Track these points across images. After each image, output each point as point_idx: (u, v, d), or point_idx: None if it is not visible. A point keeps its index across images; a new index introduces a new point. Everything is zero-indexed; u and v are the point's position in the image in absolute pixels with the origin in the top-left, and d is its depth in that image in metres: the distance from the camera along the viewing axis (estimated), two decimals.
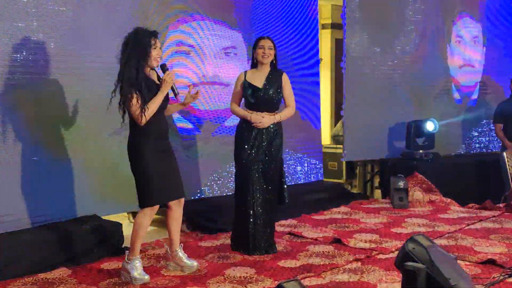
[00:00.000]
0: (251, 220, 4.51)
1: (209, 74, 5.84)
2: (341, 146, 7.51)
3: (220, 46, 5.94)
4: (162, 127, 4.00)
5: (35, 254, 4.16)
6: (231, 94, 4.75)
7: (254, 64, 4.66)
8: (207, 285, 3.81)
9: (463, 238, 4.88)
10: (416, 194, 6.42)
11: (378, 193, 7.43)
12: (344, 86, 7.07)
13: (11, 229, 4.33)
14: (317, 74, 7.03)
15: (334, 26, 9.15)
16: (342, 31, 7.12)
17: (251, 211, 4.51)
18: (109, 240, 4.60)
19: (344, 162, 7.81)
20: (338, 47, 8.93)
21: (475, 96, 8.02)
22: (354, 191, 7.61)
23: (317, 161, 6.97)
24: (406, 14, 7.39)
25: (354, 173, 8.07)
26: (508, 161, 6.13)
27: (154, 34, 3.87)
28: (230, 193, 5.90)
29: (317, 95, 7.04)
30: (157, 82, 3.95)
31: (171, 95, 4.05)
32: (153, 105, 3.82)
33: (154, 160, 3.87)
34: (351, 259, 4.31)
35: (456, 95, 7.84)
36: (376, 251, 4.53)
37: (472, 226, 5.33)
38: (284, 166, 4.87)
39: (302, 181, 6.76)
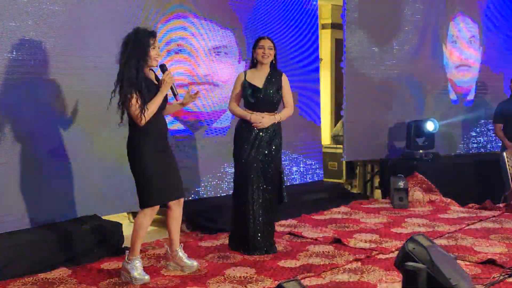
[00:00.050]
0: (251, 220, 4.51)
1: (200, 74, 5.80)
2: (341, 146, 7.51)
3: (212, 45, 5.88)
4: (161, 127, 4.00)
5: (35, 254, 4.16)
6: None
7: (254, 64, 4.66)
8: (207, 285, 3.81)
9: (463, 238, 4.88)
10: (416, 194, 6.42)
11: (378, 193, 7.43)
12: (344, 86, 7.07)
13: (11, 229, 4.34)
14: (317, 74, 7.03)
15: (334, 26, 9.15)
16: (342, 31, 7.13)
17: (251, 211, 4.51)
18: (109, 240, 4.60)
19: (344, 162, 7.82)
20: (338, 47, 8.93)
21: (471, 96, 8.00)
22: (354, 191, 7.61)
23: (313, 162, 6.94)
24: (405, 14, 7.39)
25: (354, 173, 8.07)
26: (508, 161, 6.12)
27: (153, 34, 3.88)
28: (224, 194, 5.91)
29: (317, 95, 7.04)
30: (155, 82, 3.95)
31: (170, 95, 4.05)
32: (153, 106, 3.82)
33: (153, 160, 3.87)
34: (351, 259, 4.31)
35: (453, 95, 7.84)
36: (376, 251, 4.53)
37: (472, 226, 5.33)
38: (285, 166, 4.87)
39: (297, 182, 6.75)
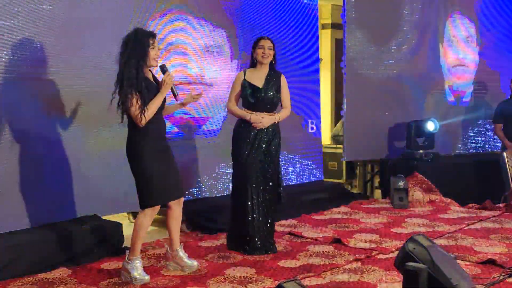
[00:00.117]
0: (251, 220, 4.51)
1: (192, 74, 5.75)
2: (341, 146, 7.51)
3: (204, 44, 5.85)
4: (160, 127, 4.00)
5: (35, 254, 4.16)
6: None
7: (253, 64, 4.66)
8: (207, 285, 3.81)
9: (463, 238, 4.88)
10: (416, 194, 6.42)
11: (378, 193, 7.43)
12: (344, 86, 7.07)
13: (11, 229, 4.33)
14: (317, 74, 7.03)
15: (334, 26, 9.15)
16: (342, 31, 7.13)
17: (251, 211, 4.51)
18: (109, 240, 4.60)
19: (344, 162, 7.81)
20: (338, 47, 8.93)
21: (469, 95, 7.99)
22: (354, 191, 7.61)
23: (309, 162, 6.92)
24: (405, 14, 7.39)
25: (354, 173, 8.07)
26: (508, 161, 6.12)
27: (153, 35, 3.89)
28: (220, 195, 5.90)
29: (317, 95, 7.04)
30: (153, 81, 3.95)
31: (171, 95, 4.06)
32: (153, 106, 3.82)
33: (153, 160, 3.87)
34: (351, 259, 4.31)
35: (450, 95, 7.83)
36: (376, 251, 4.53)
37: (472, 226, 5.33)
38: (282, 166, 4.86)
39: (295, 182, 6.74)
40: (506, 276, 3.80)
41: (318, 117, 7.03)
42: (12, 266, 4.01)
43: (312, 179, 6.95)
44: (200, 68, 5.80)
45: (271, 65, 4.64)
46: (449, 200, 6.42)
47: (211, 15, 5.85)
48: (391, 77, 7.33)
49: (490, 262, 4.14)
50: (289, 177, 6.66)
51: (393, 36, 7.32)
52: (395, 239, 4.87)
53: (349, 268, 4.11)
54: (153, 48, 3.85)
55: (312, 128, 6.95)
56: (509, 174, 6.11)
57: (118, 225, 4.74)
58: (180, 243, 4.15)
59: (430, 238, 3.31)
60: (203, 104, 5.79)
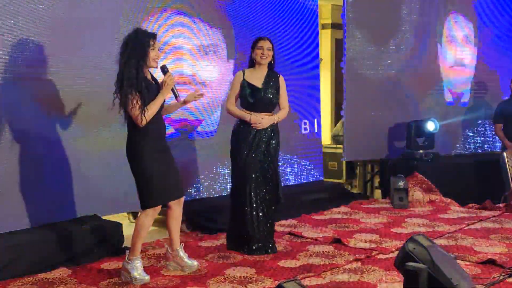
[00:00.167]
0: (251, 220, 4.51)
1: (188, 73, 5.73)
2: (341, 146, 7.51)
3: (200, 44, 5.83)
4: (160, 127, 4.00)
5: (35, 254, 4.16)
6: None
7: (252, 64, 4.65)
8: (207, 285, 3.81)
9: (463, 238, 4.88)
10: (416, 194, 6.42)
11: (378, 193, 7.43)
12: (344, 86, 7.07)
13: (11, 229, 4.33)
14: (317, 74, 7.03)
15: (334, 26, 9.15)
16: (342, 31, 7.13)
17: (251, 212, 4.51)
18: (109, 240, 4.60)
19: (344, 162, 7.81)
20: (338, 47, 8.93)
21: (467, 95, 7.98)
22: (354, 191, 7.61)
23: (307, 162, 6.92)
24: (403, 14, 7.39)
25: (354, 173, 8.07)
26: (508, 161, 6.13)
27: (153, 36, 3.88)
28: (217, 195, 5.90)
29: (317, 95, 7.04)
30: (153, 82, 3.95)
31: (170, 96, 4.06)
32: (154, 107, 3.82)
33: (153, 160, 3.87)
34: (351, 259, 4.31)
35: (448, 95, 7.83)
36: (376, 251, 4.53)
37: (472, 226, 5.33)
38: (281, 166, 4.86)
39: (291, 182, 6.74)
40: (506, 276, 3.80)
41: (318, 117, 7.03)
42: (12, 266, 4.01)
43: (311, 179, 6.95)
44: (195, 68, 5.78)
45: (270, 66, 4.63)
46: (449, 200, 6.42)
47: (207, 15, 5.85)
48: (391, 77, 7.33)
49: (490, 262, 4.14)
50: (287, 177, 6.65)
51: (392, 36, 7.32)
52: (395, 239, 4.87)
53: (349, 268, 4.11)
54: (153, 49, 3.85)
55: (312, 128, 6.94)
56: (509, 174, 6.11)
57: (118, 225, 4.74)
58: (180, 243, 4.15)
59: (430, 238, 3.31)
60: (199, 104, 5.74)
